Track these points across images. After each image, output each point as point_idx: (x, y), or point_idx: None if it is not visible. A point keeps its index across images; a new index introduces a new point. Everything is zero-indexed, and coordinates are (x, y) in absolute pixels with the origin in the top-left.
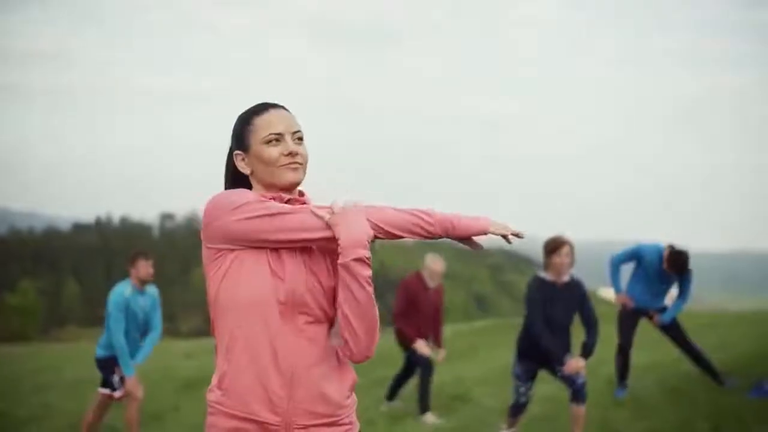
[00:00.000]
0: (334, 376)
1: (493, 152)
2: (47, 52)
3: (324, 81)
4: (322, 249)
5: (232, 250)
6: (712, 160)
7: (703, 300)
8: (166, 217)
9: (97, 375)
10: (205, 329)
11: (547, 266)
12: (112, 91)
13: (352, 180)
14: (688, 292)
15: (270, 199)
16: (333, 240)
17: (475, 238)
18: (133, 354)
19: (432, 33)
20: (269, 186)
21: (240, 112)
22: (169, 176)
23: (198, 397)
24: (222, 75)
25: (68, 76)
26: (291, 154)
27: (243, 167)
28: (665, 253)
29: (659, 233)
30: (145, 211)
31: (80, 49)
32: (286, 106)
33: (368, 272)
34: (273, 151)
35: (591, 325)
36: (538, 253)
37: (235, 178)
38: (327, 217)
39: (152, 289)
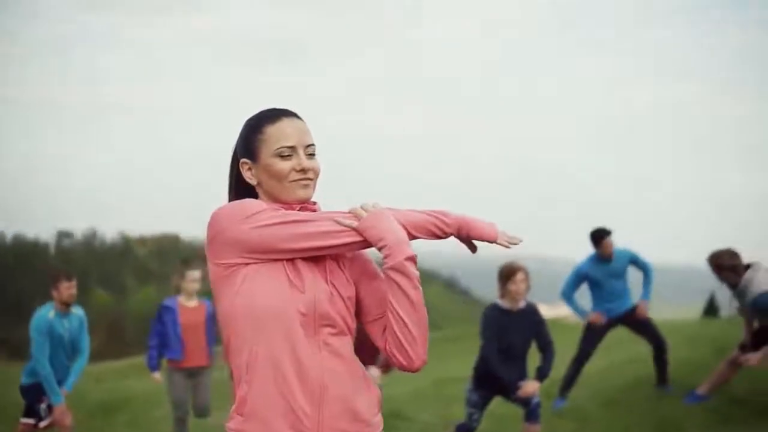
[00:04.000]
0: (362, 390)
1: (399, 171)
2: None
3: (227, 98)
4: (336, 259)
5: (247, 263)
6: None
7: None
8: (63, 235)
9: (10, 401)
10: (108, 351)
11: (503, 294)
12: (23, 105)
13: None
14: (648, 268)
15: (281, 208)
16: (357, 245)
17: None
18: (61, 380)
19: (336, 51)
20: (277, 200)
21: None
22: (69, 193)
23: (114, 422)
24: (131, 89)
25: None
26: (303, 170)
27: (249, 177)
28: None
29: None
30: (42, 229)
31: None
32: (299, 114)
33: (417, 272)
34: (284, 166)
35: (546, 350)
36: (449, 268)
37: (240, 188)
38: (347, 221)
39: (78, 311)
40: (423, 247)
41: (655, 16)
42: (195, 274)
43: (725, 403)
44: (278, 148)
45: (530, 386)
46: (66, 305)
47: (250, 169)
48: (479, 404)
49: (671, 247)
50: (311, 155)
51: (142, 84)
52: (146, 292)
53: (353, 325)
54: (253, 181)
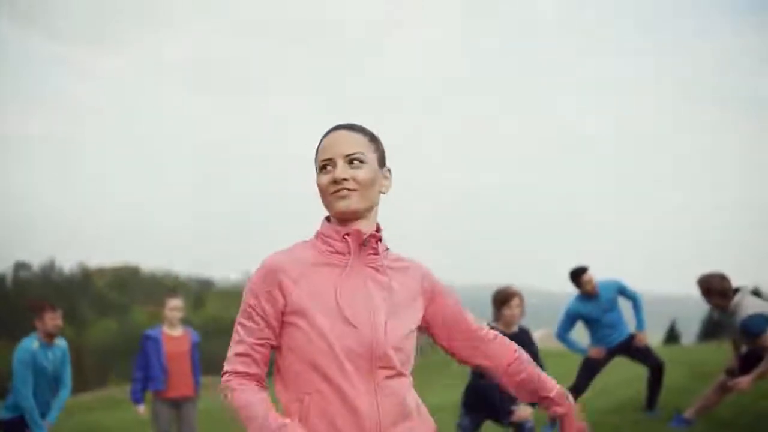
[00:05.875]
0: (418, 430)
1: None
2: None
3: (193, 126)
4: (397, 291)
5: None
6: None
7: None
8: (21, 266)
9: None
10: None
11: (497, 318)
12: None
13: (223, 225)
14: (637, 298)
15: (346, 236)
16: None
17: None
18: (43, 413)
19: (299, 75)
20: (332, 215)
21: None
22: (27, 224)
23: None
24: (87, 121)
25: None
26: (335, 181)
27: None
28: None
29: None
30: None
31: None
32: (358, 124)
33: None
34: (323, 180)
35: None
36: None
37: None
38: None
39: (61, 342)
40: None
41: (647, 25)
42: (176, 302)
43: (711, 426)
44: (319, 163)
45: (524, 411)
46: (50, 336)
47: None
48: (470, 428)
49: (627, 276)
50: (353, 163)
51: (104, 114)
52: (105, 324)
53: (413, 363)
54: None
